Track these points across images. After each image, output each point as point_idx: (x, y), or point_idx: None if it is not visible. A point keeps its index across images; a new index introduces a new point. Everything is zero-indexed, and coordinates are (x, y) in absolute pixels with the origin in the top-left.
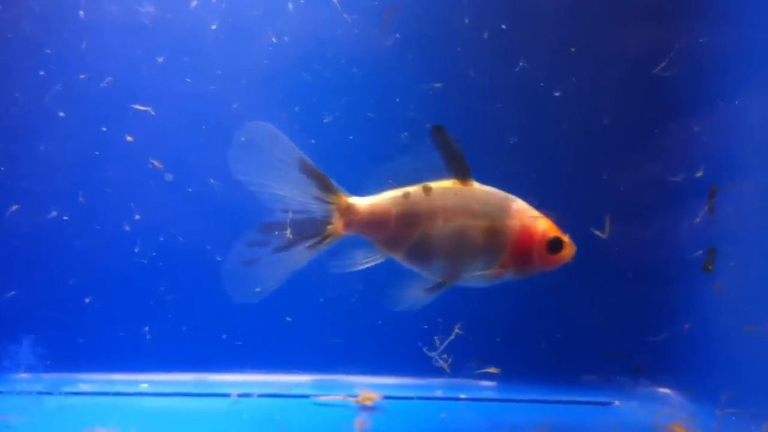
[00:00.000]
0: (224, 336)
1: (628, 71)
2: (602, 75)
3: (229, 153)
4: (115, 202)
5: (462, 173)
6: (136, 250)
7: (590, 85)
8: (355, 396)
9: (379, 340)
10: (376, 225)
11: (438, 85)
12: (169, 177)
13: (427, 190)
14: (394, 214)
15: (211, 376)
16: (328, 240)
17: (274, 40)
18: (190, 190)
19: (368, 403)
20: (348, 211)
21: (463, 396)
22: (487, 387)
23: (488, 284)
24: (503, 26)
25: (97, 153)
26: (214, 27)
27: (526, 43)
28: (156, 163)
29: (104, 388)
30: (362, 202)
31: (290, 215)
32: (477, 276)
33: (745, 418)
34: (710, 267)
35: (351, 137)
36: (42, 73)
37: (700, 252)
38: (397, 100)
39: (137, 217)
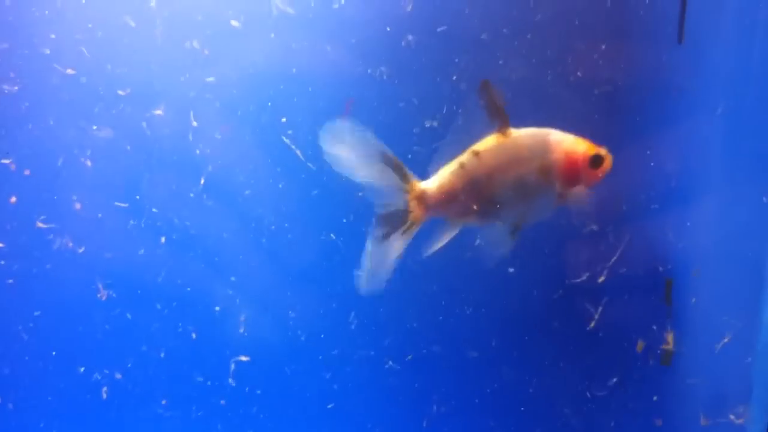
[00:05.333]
0: None
1: None
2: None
3: (322, 145)
4: None
5: (503, 125)
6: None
7: None
8: None
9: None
10: (449, 202)
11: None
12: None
13: (477, 154)
14: (460, 187)
15: None
16: (413, 228)
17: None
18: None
19: None
20: (422, 197)
21: None
22: None
23: (550, 215)
24: None
25: None
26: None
27: None
28: None
29: None
30: (431, 185)
31: (382, 208)
32: (542, 213)
33: None
34: (668, 299)
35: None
36: None
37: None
38: None
39: None
